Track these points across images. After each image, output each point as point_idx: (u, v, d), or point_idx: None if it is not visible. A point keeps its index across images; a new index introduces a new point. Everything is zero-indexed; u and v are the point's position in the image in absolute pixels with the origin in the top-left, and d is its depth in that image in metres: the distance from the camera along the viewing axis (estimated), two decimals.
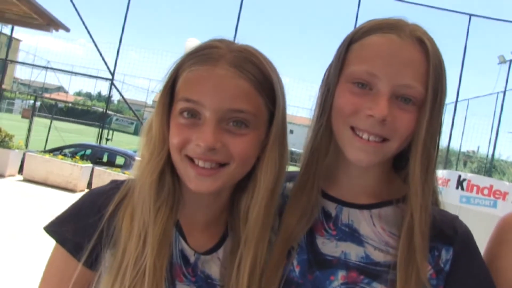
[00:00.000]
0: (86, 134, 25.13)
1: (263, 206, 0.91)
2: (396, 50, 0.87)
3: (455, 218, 0.96)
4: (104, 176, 10.16)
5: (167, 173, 0.89)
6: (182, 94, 0.87)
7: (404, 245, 0.88)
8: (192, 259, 0.92)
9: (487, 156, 26.33)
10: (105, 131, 18.53)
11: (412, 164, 0.90)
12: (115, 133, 28.60)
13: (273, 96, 0.91)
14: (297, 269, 0.92)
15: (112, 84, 15.25)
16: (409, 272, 0.86)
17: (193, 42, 8.59)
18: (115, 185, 0.93)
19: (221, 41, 0.91)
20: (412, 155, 0.90)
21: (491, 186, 13.80)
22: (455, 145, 29.09)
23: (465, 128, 28.07)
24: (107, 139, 19.82)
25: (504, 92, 23.63)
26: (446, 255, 0.91)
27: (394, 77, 0.86)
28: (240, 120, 0.87)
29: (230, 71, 0.86)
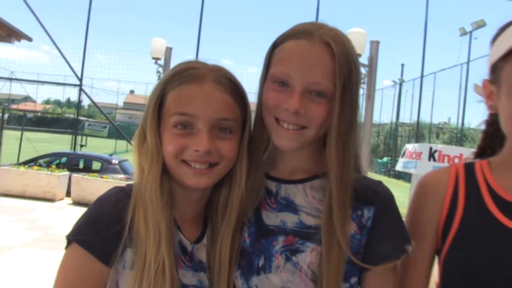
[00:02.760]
0: (59, 142, 24.80)
1: (239, 197, 1.09)
2: (306, 53, 1.03)
3: (379, 183, 1.14)
4: (83, 182, 10.16)
5: (164, 177, 1.05)
6: (174, 109, 1.04)
7: (326, 210, 1.05)
8: (189, 248, 1.09)
9: (457, 126, 27.09)
10: (79, 137, 18.37)
11: (328, 146, 1.07)
12: (89, 138, 28.30)
13: (244, 104, 1.10)
14: (247, 241, 1.10)
15: (81, 89, 15.11)
16: (331, 232, 1.03)
17: (158, 42, 8.64)
18: (125, 192, 1.06)
19: (197, 62, 1.09)
20: (328, 138, 1.07)
21: (461, 155, 14.33)
22: (426, 118, 29.84)
23: (434, 101, 28.78)
24: (81, 146, 19.65)
25: (468, 63, 24.28)
26: (368, 213, 1.08)
27: (305, 76, 1.03)
28: (225, 127, 1.05)
29: (216, 87, 1.04)
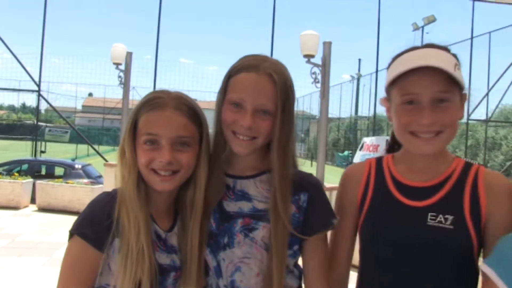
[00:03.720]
0: (17, 149, 24.24)
1: (202, 194, 1.41)
2: (254, 83, 1.36)
3: (310, 175, 1.50)
4: (48, 188, 10.13)
5: (140, 182, 1.36)
6: (144, 130, 1.35)
7: (272, 197, 1.39)
8: (163, 235, 1.41)
9: None
10: (39, 143, 18.07)
11: (272, 150, 1.41)
12: (49, 143, 27.76)
13: (200, 123, 1.42)
14: (214, 225, 1.42)
15: (39, 95, 14.91)
16: (277, 214, 1.36)
17: (119, 48, 8.73)
18: (111, 196, 1.36)
19: (163, 92, 1.41)
20: (272, 144, 1.41)
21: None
22: (382, 111, 30.75)
23: None
24: (41, 152, 19.32)
25: None
26: (303, 198, 1.43)
27: (254, 100, 1.35)
28: (184, 142, 1.36)
29: (174, 113, 1.35)
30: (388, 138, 1.63)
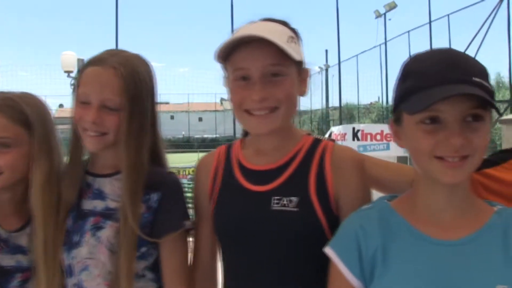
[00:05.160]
0: None
1: (38, 193, 1.38)
2: (99, 76, 1.34)
3: (168, 174, 1.45)
4: None
5: None
6: None
7: (123, 196, 1.35)
8: (4, 236, 1.39)
9: (382, 104, 28.50)
10: None
11: (120, 147, 1.36)
12: None
13: (29, 123, 1.40)
14: (69, 222, 1.39)
15: None
16: (125, 213, 1.32)
17: (68, 55, 8.59)
18: None
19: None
20: (121, 141, 1.35)
21: (382, 131, 15.09)
22: (354, 100, 31.13)
23: (359, 82, 30.07)
24: None
25: (385, 43, 25.61)
26: (155, 197, 1.37)
27: (98, 94, 1.33)
28: (2, 143, 1.36)
29: None
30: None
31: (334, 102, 34.64)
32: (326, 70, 34.50)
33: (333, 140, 1.40)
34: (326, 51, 38.83)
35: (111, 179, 1.42)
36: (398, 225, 1.11)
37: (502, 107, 14.88)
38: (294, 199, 1.25)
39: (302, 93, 1.33)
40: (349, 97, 32.20)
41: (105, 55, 1.39)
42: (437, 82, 1.01)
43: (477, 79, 1.01)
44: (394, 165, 1.49)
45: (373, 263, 1.09)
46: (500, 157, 1.29)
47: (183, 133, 43.33)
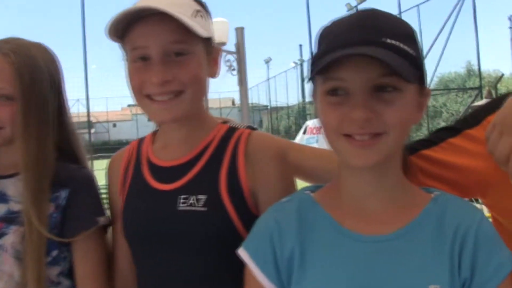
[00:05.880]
0: None
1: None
2: None
3: (79, 169, 1.30)
4: None
5: None
6: None
7: (23, 196, 1.20)
8: None
9: None
10: None
11: (17, 142, 1.22)
12: None
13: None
14: None
15: None
16: (28, 214, 1.17)
17: None
18: None
19: None
20: (17, 135, 1.22)
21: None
22: None
23: None
24: None
25: None
26: (64, 195, 1.23)
27: None
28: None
29: None
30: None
31: (310, 96, 34.70)
32: (301, 65, 34.58)
33: (254, 128, 1.23)
34: (300, 46, 39.02)
35: (15, 179, 1.26)
36: (319, 219, 0.95)
37: (473, 94, 14.99)
38: (202, 197, 1.10)
39: (213, 74, 1.19)
40: None
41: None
42: (340, 44, 0.85)
43: (390, 41, 0.84)
44: (321, 151, 1.30)
45: (289, 267, 0.93)
46: (438, 135, 1.14)
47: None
